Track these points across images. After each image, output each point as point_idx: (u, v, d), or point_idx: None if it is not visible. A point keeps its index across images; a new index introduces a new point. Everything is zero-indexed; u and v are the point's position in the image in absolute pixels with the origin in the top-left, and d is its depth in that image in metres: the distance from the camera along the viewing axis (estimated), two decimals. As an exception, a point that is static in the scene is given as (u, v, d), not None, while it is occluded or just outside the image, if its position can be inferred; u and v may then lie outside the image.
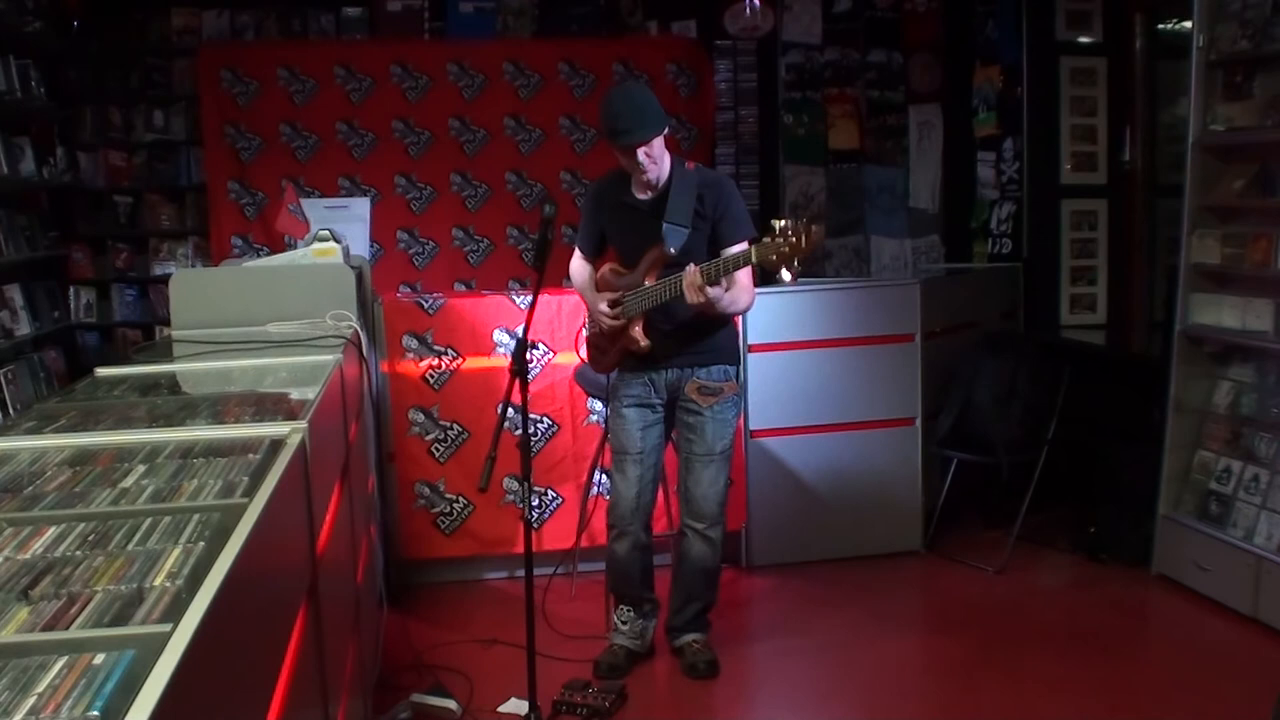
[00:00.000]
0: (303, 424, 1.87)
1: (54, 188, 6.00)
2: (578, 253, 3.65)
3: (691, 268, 3.23)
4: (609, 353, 3.58)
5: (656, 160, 3.35)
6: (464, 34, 6.41)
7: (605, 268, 3.57)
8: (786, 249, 3.04)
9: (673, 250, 3.33)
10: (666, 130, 3.36)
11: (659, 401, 3.53)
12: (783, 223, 3.06)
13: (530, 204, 6.38)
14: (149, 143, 6.27)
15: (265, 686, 1.42)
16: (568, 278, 3.73)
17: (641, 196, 3.44)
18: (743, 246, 3.31)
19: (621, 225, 3.52)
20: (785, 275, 3.05)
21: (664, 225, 3.34)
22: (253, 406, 2.11)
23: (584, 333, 3.83)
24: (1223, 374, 4.19)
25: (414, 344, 4.32)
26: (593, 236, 3.61)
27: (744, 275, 3.36)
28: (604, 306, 3.51)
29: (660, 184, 3.40)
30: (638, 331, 3.44)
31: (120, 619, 1.10)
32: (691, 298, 3.24)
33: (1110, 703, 3.33)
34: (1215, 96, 4.12)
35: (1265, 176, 3.93)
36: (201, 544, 1.31)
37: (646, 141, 3.30)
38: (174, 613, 1.09)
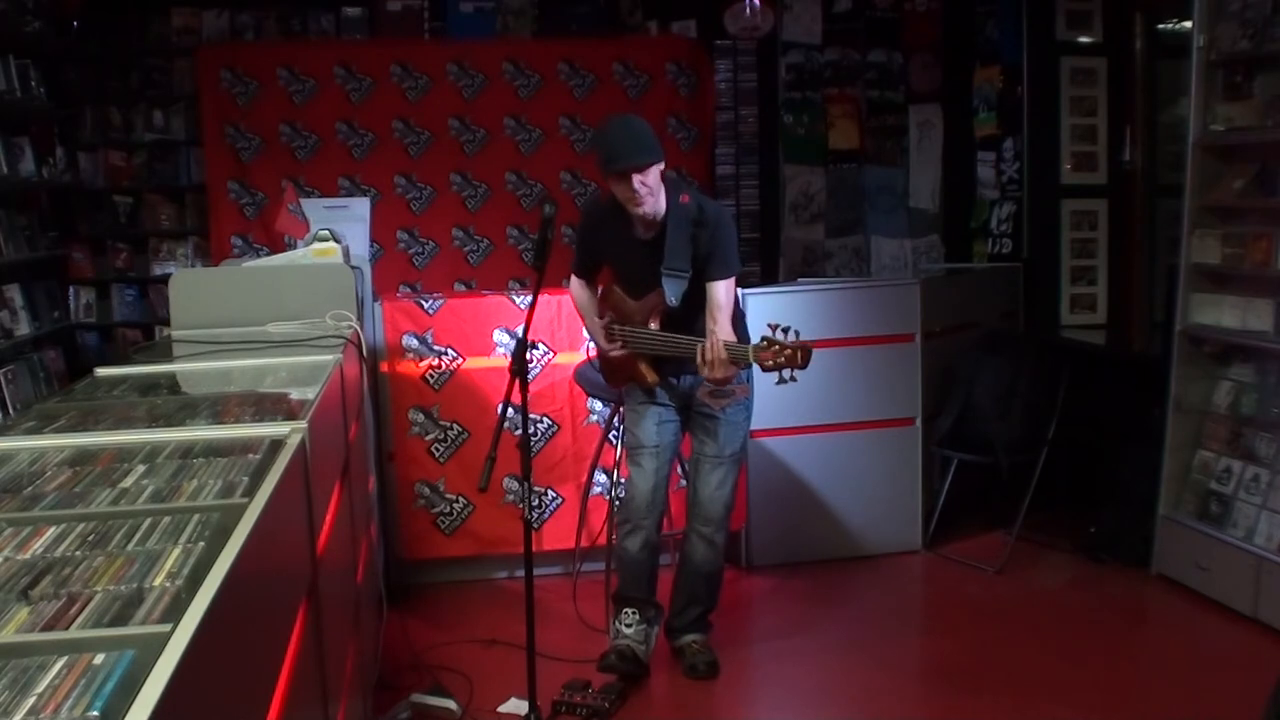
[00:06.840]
0: (303, 424, 1.86)
1: (54, 188, 5.99)
2: (574, 275, 3.64)
3: (718, 345, 3.17)
4: (618, 372, 3.59)
5: (653, 191, 3.25)
6: (464, 34, 6.40)
7: (613, 288, 3.55)
8: (783, 359, 3.07)
9: (673, 301, 3.31)
10: (662, 164, 3.27)
11: (674, 405, 3.54)
12: (783, 338, 3.09)
13: (530, 204, 6.37)
14: (149, 143, 6.26)
15: (265, 686, 1.42)
16: (568, 279, 3.73)
17: (641, 234, 3.38)
18: (727, 288, 3.33)
19: (620, 258, 3.49)
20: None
21: (663, 274, 3.30)
22: (253, 406, 2.11)
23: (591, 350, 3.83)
24: (1223, 374, 4.19)
25: (414, 344, 4.32)
26: (588, 263, 3.60)
27: (727, 325, 3.36)
28: (603, 341, 3.53)
29: (657, 219, 3.33)
30: (645, 368, 3.45)
31: (120, 619, 1.10)
32: (708, 373, 3.19)
33: (1110, 703, 3.33)
34: (1215, 96, 4.12)
35: (1265, 176, 3.93)
36: (201, 544, 1.31)
37: (642, 168, 3.20)
38: (174, 613, 1.09)
